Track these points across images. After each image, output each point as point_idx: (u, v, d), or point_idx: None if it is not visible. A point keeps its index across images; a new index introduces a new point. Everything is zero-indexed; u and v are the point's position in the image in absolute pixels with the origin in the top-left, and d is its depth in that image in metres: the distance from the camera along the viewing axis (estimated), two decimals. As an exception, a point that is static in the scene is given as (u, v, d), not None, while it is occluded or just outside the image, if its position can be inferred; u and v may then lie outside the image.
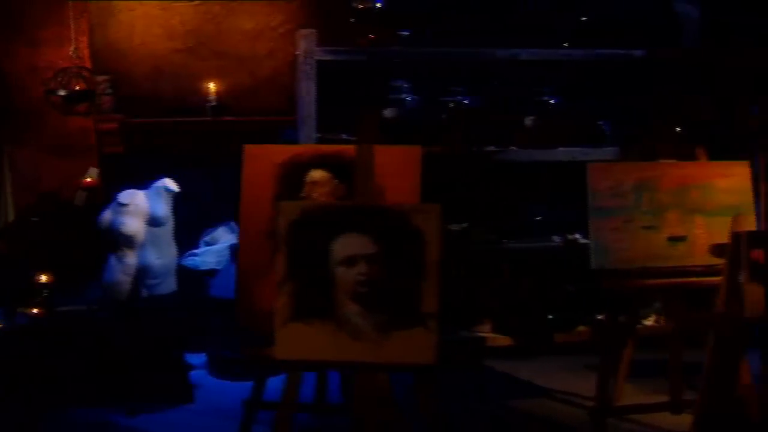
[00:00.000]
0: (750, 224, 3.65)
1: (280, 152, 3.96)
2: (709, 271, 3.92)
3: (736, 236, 3.15)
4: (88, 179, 5.03)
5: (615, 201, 3.97)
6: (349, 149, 4.03)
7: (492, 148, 4.97)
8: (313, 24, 4.93)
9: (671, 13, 5.09)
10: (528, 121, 5.04)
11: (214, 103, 5.11)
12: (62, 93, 4.91)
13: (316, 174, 3.90)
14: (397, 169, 3.90)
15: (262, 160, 3.89)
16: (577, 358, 5.03)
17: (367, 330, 2.94)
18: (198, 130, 5.12)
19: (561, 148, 5.01)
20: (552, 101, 4.99)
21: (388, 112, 4.94)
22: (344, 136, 4.82)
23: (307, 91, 4.78)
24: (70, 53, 4.96)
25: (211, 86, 5.11)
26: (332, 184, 3.84)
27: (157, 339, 4.47)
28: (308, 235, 2.98)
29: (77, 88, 4.89)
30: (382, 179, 3.72)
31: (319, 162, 3.91)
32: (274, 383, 3.96)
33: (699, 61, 4.89)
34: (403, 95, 4.87)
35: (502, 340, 5.10)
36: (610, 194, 3.96)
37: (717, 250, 3.43)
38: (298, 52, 4.79)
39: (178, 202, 4.77)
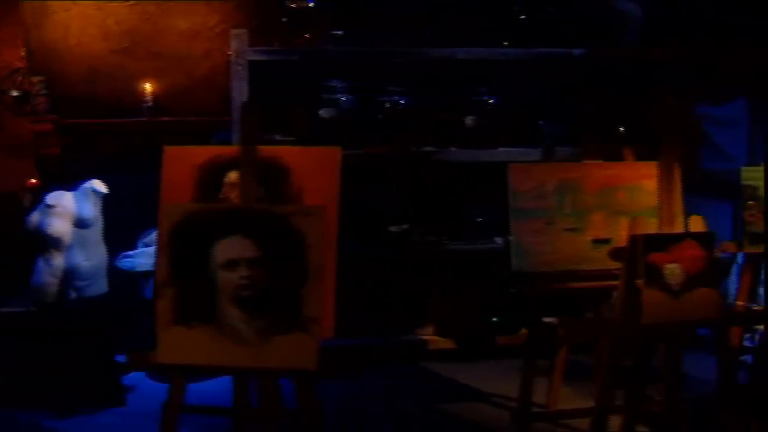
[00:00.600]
0: (651, 227, 3.57)
1: (200, 153, 3.86)
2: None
3: (633, 240, 3.07)
4: (33, 180, 5.00)
5: (537, 202, 3.88)
6: (269, 150, 4.05)
7: (431, 148, 4.93)
8: (250, 24, 4.90)
9: (613, 12, 5.02)
10: (469, 120, 4.97)
11: (150, 104, 5.07)
12: (15, 93, 4.90)
13: (234, 175, 3.84)
14: (315, 171, 3.88)
15: (182, 162, 3.79)
16: (519, 361, 4.95)
17: (248, 334, 2.88)
18: (135, 130, 5.08)
19: (501, 149, 4.92)
20: (491, 101, 4.93)
21: (325, 113, 4.91)
22: (278, 137, 4.81)
23: (240, 91, 4.72)
24: (22, 54, 4.94)
25: (147, 87, 5.08)
26: (250, 185, 3.81)
27: (86, 341, 4.42)
28: (190, 237, 2.93)
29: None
30: (301, 181, 3.74)
31: (238, 163, 3.87)
32: (220, 385, 3.95)
33: (637, 60, 4.83)
34: (338, 95, 4.81)
35: (444, 343, 5.06)
36: (531, 195, 3.87)
37: (615, 253, 3.35)
38: (229, 53, 4.75)
39: (114, 203, 4.72)
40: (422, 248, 4.98)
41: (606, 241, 3.92)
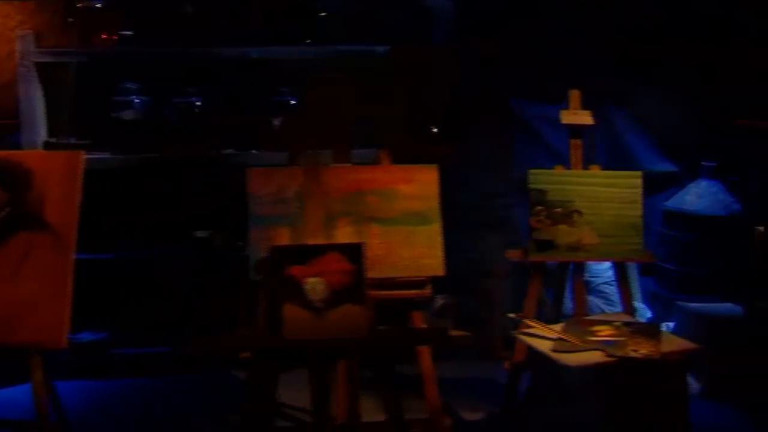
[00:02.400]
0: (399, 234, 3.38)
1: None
2: (385, 283, 3.71)
3: (274, 251, 2.87)
4: None
5: (277, 209, 3.71)
6: (15, 155, 3.95)
7: (231, 151, 4.78)
8: (52, 24, 4.77)
9: (423, 8, 4.82)
10: (276, 122, 4.80)
11: (-50, 106, 4.96)
12: None
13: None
14: (58, 175, 3.78)
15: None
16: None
17: None
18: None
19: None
20: (293, 101, 4.75)
21: (126, 114, 4.76)
22: (72, 140, 4.68)
23: (26, 93, 4.60)
24: None
25: (-53, 90, 4.97)
26: (-6, 191, 3.70)
27: None
28: None
29: None
30: (44, 185, 3.68)
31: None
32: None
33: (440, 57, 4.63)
34: (132, 97, 4.65)
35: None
36: (271, 201, 3.69)
37: (256, 266, 3.14)
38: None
39: None
40: (226, 254, 4.82)
41: (353, 249, 3.78)
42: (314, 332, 2.84)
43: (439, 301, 4.91)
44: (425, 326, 3.71)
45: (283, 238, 3.02)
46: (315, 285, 2.89)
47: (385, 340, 2.94)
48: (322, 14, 4.70)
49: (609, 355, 3.71)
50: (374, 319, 2.90)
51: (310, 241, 3.09)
